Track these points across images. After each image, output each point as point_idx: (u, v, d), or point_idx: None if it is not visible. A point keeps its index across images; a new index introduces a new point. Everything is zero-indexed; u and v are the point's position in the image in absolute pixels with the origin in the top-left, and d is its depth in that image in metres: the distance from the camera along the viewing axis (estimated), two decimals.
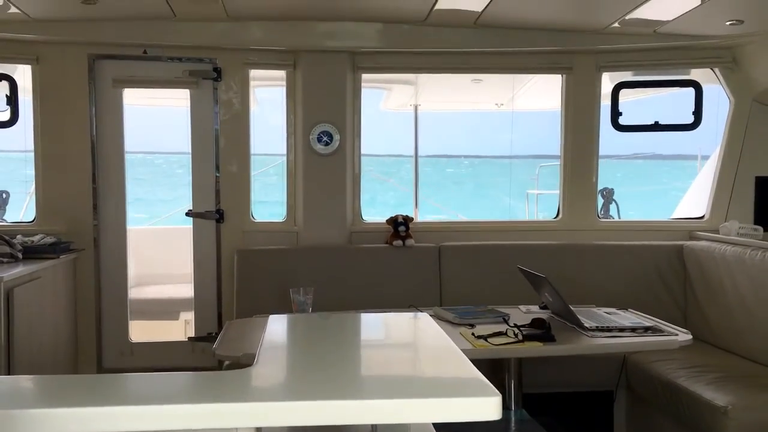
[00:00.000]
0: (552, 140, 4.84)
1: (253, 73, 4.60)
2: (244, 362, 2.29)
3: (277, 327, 1.73)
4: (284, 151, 4.63)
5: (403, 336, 1.75)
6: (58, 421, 1.08)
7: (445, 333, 1.61)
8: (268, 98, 5.13)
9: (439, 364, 1.45)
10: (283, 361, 1.50)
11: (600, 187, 4.92)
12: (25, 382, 1.37)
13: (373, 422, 1.39)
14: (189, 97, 4.54)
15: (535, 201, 7.74)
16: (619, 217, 5.38)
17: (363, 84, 4.66)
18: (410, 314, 1.90)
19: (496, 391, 1.14)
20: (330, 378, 1.31)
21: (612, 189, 5.36)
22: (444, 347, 1.50)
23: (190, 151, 4.58)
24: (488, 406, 1.11)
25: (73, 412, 1.08)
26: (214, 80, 4.49)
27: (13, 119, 4.43)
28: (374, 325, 1.86)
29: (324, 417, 1.11)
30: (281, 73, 4.60)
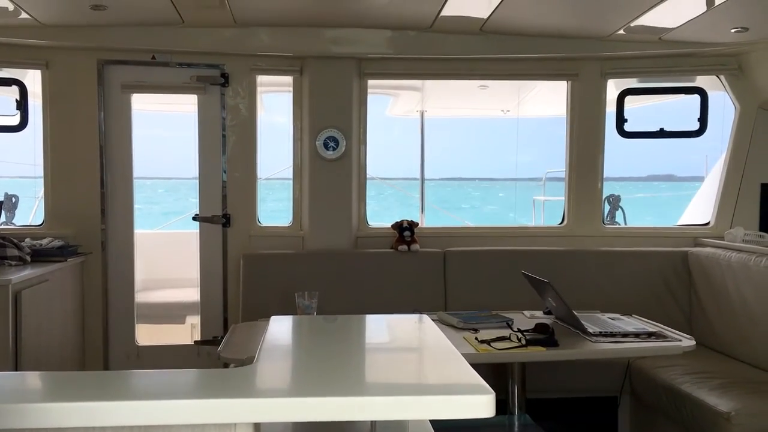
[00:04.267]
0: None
1: (261, 78, 4.64)
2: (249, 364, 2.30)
3: (278, 327, 1.75)
4: (290, 162, 4.67)
5: (402, 336, 1.76)
6: (61, 415, 1.10)
7: (442, 333, 1.63)
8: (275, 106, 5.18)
9: (436, 364, 1.47)
10: (283, 359, 1.52)
11: (606, 193, 4.93)
12: (32, 377, 1.40)
13: (369, 419, 1.41)
14: (197, 102, 4.59)
15: (541, 208, 7.74)
16: (626, 224, 5.38)
17: (369, 90, 4.69)
18: (410, 316, 1.91)
19: (490, 389, 1.16)
20: (328, 375, 1.33)
21: (618, 196, 5.37)
22: (441, 347, 1.52)
23: (197, 155, 4.62)
24: (481, 404, 1.12)
25: (74, 406, 1.10)
26: (221, 86, 4.53)
27: (23, 123, 4.48)
28: (374, 326, 1.88)
29: (321, 413, 1.13)
30: (288, 79, 4.64)
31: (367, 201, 4.76)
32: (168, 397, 1.14)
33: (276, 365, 1.42)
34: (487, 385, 1.18)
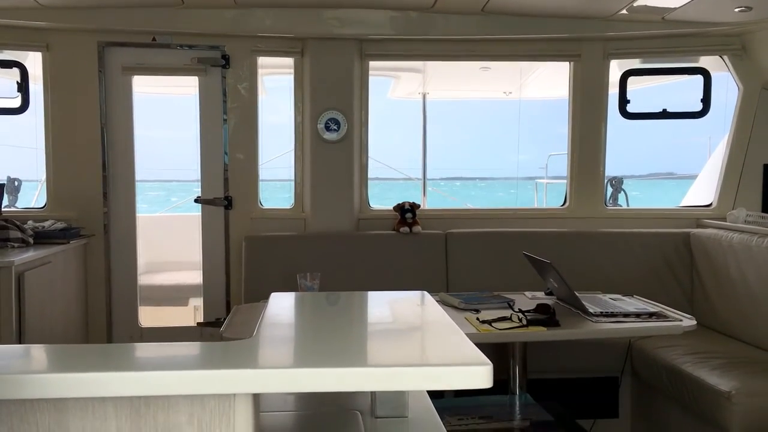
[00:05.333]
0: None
1: (261, 60, 4.63)
2: None
3: (278, 303, 1.76)
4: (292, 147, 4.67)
5: (402, 311, 1.77)
6: (61, 386, 1.11)
7: (441, 309, 1.64)
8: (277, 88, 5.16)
9: (434, 337, 1.48)
10: (283, 333, 1.53)
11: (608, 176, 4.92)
12: (32, 350, 1.41)
13: (367, 389, 1.42)
14: (197, 84, 4.58)
15: (544, 190, 7.74)
16: (628, 206, 5.37)
17: (371, 72, 4.68)
18: (411, 293, 1.92)
19: (488, 360, 1.16)
20: (327, 347, 1.33)
21: (621, 178, 5.35)
22: (440, 322, 1.52)
23: (198, 138, 4.62)
24: (479, 375, 1.13)
25: (74, 377, 1.11)
26: (222, 67, 4.52)
27: (24, 106, 4.48)
28: (373, 301, 1.88)
29: (319, 384, 1.14)
30: (289, 61, 4.62)
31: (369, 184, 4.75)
32: (167, 368, 1.14)
33: (275, 338, 1.43)
34: (485, 357, 1.18)
